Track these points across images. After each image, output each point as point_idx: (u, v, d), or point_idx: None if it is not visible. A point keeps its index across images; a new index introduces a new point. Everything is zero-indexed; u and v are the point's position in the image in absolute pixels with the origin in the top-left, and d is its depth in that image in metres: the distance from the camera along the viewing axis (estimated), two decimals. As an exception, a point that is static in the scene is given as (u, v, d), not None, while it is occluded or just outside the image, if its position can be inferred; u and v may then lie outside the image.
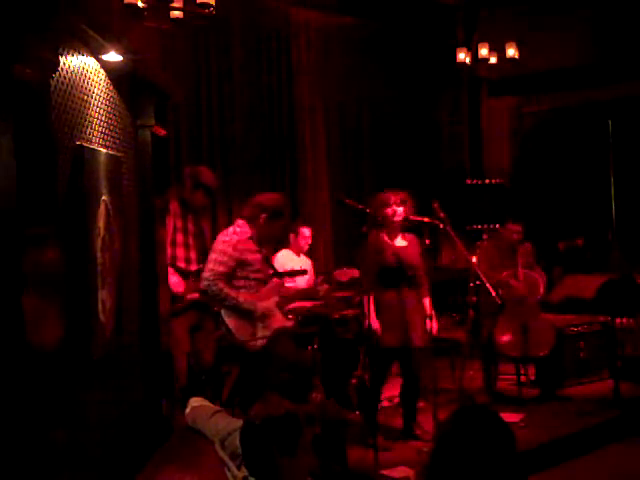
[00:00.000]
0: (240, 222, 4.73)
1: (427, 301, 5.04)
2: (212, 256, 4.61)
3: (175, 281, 4.98)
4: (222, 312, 4.57)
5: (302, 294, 5.79)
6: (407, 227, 5.10)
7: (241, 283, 4.61)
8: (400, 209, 4.95)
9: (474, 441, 1.87)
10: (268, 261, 4.90)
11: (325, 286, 6.04)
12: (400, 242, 5.05)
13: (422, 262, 5.09)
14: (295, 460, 2.35)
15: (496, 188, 8.49)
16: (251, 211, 4.70)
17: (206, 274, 4.57)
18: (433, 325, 4.96)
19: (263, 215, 4.64)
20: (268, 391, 2.99)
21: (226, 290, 4.52)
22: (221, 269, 4.53)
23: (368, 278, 4.89)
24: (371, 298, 4.82)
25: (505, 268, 5.92)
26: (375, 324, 4.82)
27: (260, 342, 4.32)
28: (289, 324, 4.89)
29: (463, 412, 1.97)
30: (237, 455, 2.84)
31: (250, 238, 4.65)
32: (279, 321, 4.70)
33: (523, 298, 5.84)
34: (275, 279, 4.82)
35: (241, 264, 4.59)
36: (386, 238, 5.01)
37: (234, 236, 4.63)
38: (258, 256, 4.70)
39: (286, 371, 3.08)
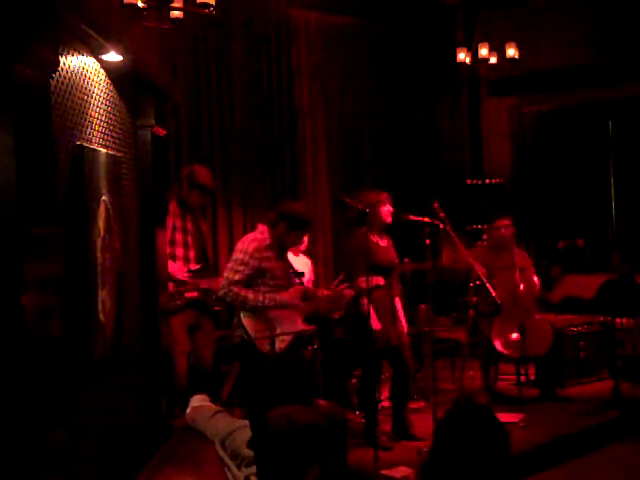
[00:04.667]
0: (262, 228, 4.64)
1: (398, 301, 5.10)
2: (229, 264, 4.55)
3: (175, 268, 4.92)
4: (240, 314, 4.48)
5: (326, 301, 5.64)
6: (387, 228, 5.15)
7: (262, 290, 4.52)
8: (391, 209, 4.97)
9: (468, 439, 1.88)
10: (293, 270, 4.78)
11: (349, 292, 5.92)
12: (384, 242, 5.07)
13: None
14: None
15: (496, 188, 8.50)
16: (273, 218, 4.61)
17: (222, 282, 4.52)
18: (404, 324, 5.07)
19: (282, 224, 4.55)
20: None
21: (243, 293, 4.43)
22: (236, 277, 4.45)
23: (359, 277, 4.82)
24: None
25: (502, 269, 5.91)
26: (378, 325, 4.82)
27: (276, 344, 4.25)
28: (308, 328, 4.79)
29: (458, 411, 1.97)
30: (237, 455, 2.84)
31: (270, 246, 4.56)
32: (298, 326, 4.60)
33: (520, 299, 5.84)
34: (298, 285, 4.74)
35: (259, 272, 4.50)
36: (374, 237, 5.01)
37: (252, 243, 4.53)
38: (278, 264, 4.59)
39: (293, 372, 3.08)
